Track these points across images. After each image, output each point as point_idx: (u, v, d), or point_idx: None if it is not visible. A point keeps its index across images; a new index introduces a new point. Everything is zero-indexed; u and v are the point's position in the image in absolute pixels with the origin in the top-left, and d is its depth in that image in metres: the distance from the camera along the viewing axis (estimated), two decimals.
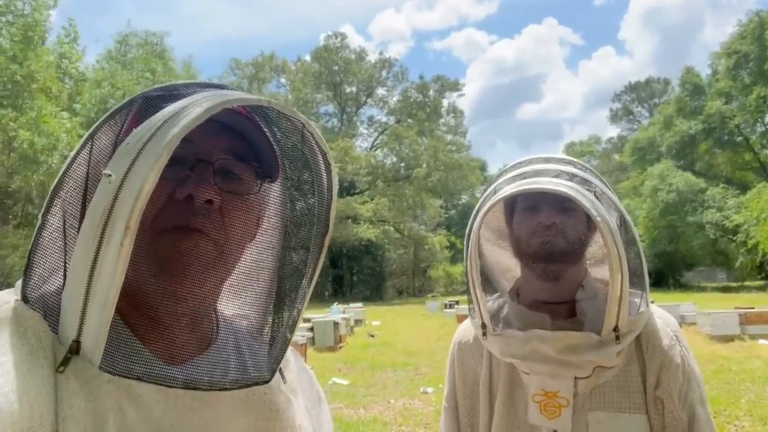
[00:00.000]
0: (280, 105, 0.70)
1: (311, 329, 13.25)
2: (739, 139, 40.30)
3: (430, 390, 8.49)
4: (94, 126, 0.69)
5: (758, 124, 38.51)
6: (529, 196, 1.19)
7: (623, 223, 1.15)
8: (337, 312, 17.69)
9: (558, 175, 1.17)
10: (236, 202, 0.73)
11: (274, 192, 0.79)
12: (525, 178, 1.18)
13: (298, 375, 0.88)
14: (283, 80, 49.85)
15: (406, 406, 7.64)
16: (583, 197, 1.09)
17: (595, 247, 1.26)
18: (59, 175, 0.66)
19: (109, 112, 0.69)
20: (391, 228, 43.44)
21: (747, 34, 36.29)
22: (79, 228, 0.64)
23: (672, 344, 1.19)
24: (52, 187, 0.66)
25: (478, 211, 1.24)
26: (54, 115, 23.49)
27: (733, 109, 38.05)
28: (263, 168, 0.76)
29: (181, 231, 0.68)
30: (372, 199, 43.00)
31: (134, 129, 0.65)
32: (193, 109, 0.63)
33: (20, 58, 22.53)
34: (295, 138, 0.74)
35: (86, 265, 0.60)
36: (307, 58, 49.86)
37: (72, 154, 0.67)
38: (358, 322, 18.83)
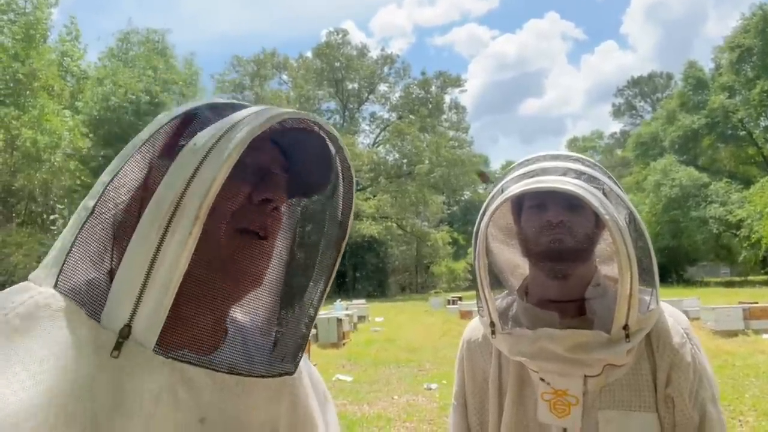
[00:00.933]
0: (324, 122, 0.76)
1: (315, 326, 13.25)
2: (743, 133, 40.14)
3: (433, 386, 8.49)
4: (153, 127, 0.72)
5: (762, 119, 38.33)
6: (537, 194, 1.18)
7: (632, 221, 1.14)
8: (340, 309, 17.71)
9: (565, 173, 1.15)
10: (287, 211, 0.81)
11: (315, 203, 0.86)
12: (532, 177, 1.17)
13: (307, 375, 0.89)
14: (284, 77, 49.82)
15: (409, 402, 7.64)
16: (592, 195, 1.08)
17: (604, 245, 1.25)
18: (115, 168, 0.69)
19: (167, 118, 0.73)
20: (394, 224, 43.45)
21: (750, 27, 36.10)
22: (132, 221, 0.66)
23: (683, 342, 1.18)
24: (106, 179, 0.68)
25: (485, 211, 1.23)
26: (56, 113, 23.54)
27: (736, 104, 37.88)
28: (306, 183, 0.83)
29: (255, 234, 0.74)
30: (374, 196, 43.00)
31: (199, 133, 0.69)
32: (256, 118, 0.69)
33: (22, 56, 22.56)
34: (329, 155, 0.79)
35: (148, 252, 0.62)
36: (309, 54, 49.86)
37: (127, 151, 0.70)
38: (361, 318, 18.86)
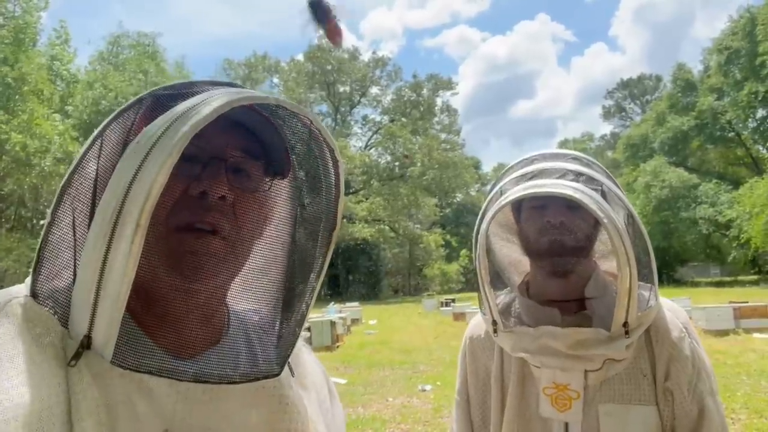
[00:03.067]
0: (288, 103, 0.70)
1: (308, 329, 13.23)
2: (731, 134, 40.56)
3: (428, 388, 8.49)
4: (104, 123, 0.69)
5: (750, 120, 38.66)
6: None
7: (631, 220, 1.16)
8: (333, 312, 17.68)
9: (564, 174, 1.17)
10: (248, 198, 0.74)
11: (284, 188, 0.80)
12: (530, 179, 1.19)
13: (311, 369, 0.88)
14: (276, 80, 49.73)
15: (404, 404, 7.64)
16: (589, 198, 1.09)
17: (604, 239, 1.27)
18: (69, 171, 0.67)
19: (118, 110, 0.70)
20: (387, 227, 43.45)
21: (738, 30, 36.44)
22: (89, 225, 0.64)
23: (681, 336, 1.20)
24: (61, 184, 0.66)
25: (485, 213, 1.24)
26: (46, 117, 23.34)
27: (724, 105, 38.24)
28: (274, 165, 0.77)
29: (196, 229, 0.69)
30: (367, 199, 42.99)
31: (144, 127, 0.66)
32: (202, 108, 0.64)
33: (11, 60, 22.37)
34: (304, 134, 0.74)
35: (97, 261, 0.60)
36: (300, 57, 49.84)
37: (82, 150, 0.68)
38: (354, 321, 18.83)
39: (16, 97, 22.41)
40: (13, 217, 25.62)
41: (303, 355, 0.88)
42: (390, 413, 7.20)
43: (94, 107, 27.84)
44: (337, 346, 13.37)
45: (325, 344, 13.06)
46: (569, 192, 1.10)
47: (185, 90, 0.72)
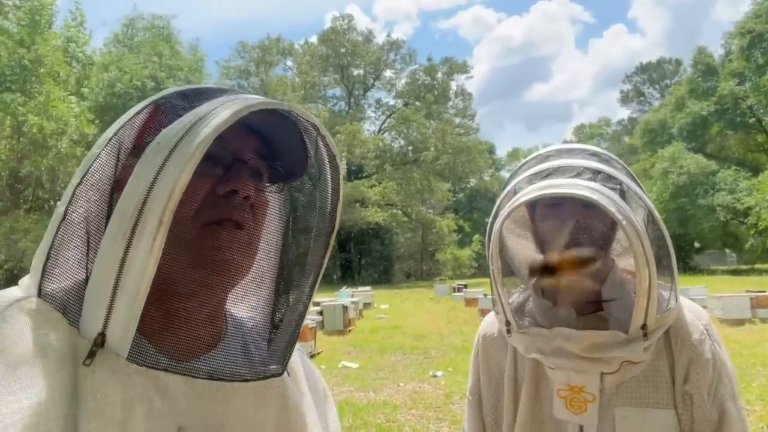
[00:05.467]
0: (299, 109, 0.73)
1: (320, 313, 13.33)
2: (752, 120, 39.74)
3: (439, 373, 8.53)
4: (119, 124, 0.70)
5: None
6: None
7: (651, 220, 1.12)
8: (345, 296, 17.78)
9: (580, 173, 1.13)
10: (264, 200, 0.78)
11: (293, 192, 0.84)
12: (545, 178, 1.15)
13: (305, 373, 0.89)
14: (289, 63, 49.59)
15: (415, 390, 7.69)
16: (607, 199, 1.05)
17: (621, 236, 1.23)
18: (83, 169, 0.67)
19: (133, 112, 0.71)
20: (399, 211, 43.44)
21: (762, 13, 35.56)
22: (103, 224, 0.65)
23: (702, 338, 1.16)
24: (75, 183, 0.67)
25: (497, 213, 1.21)
26: (62, 99, 23.54)
27: (746, 90, 37.44)
28: (285, 169, 0.80)
29: (226, 224, 0.71)
30: (380, 183, 42.91)
31: (162, 129, 0.68)
32: (222, 111, 0.66)
33: (28, 42, 22.53)
34: (310, 141, 0.78)
35: (116, 258, 0.61)
36: (314, 40, 49.58)
37: (96, 150, 0.68)
38: (366, 305, 18.93)
39: (33, 79, 22.58)
40: (30, 198, 25.99)
41: (298, 358, 0.89)
42: (401, 398, 7.25)
43: (110, 90, 28.01)
44: (349, 331, 13.46)
45: (337, 328, 13.16)
46: (585, 193, 1.05)
47: (198, 95, 0.74)
